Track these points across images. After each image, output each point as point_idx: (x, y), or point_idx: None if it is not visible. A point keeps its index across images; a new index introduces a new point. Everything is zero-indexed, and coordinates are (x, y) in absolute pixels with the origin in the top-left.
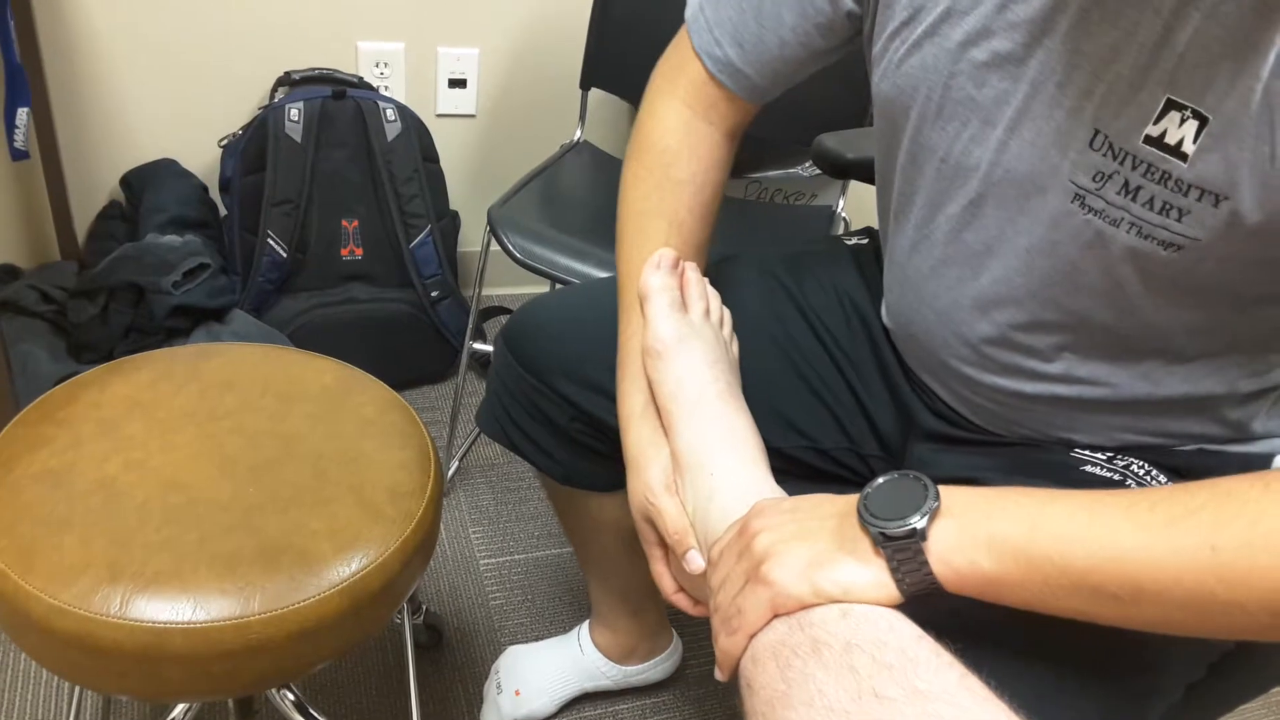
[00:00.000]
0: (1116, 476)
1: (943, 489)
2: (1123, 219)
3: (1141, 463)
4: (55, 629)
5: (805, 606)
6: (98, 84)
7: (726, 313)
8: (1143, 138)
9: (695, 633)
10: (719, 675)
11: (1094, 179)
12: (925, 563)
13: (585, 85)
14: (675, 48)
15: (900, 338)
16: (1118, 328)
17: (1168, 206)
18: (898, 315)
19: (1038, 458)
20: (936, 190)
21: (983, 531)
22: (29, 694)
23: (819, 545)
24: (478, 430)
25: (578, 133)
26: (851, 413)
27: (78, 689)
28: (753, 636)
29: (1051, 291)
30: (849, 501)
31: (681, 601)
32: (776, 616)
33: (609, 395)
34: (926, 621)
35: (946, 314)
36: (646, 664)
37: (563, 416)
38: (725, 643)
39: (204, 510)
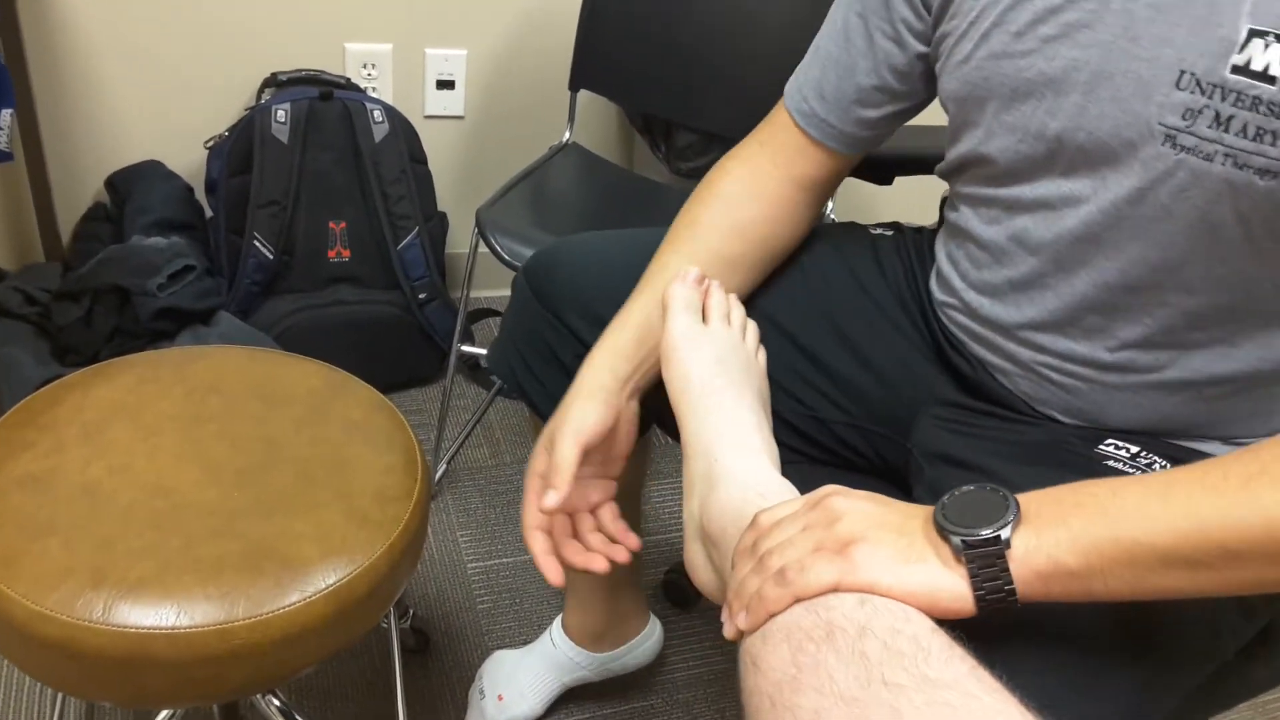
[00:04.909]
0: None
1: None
2: (1216, 152)
3: (1164, 461)
4: (37, 635)
5: (869, 593)
6: (82, 85)
7: (752, 324)
8: (1229, 68)
9: (683, 635)
10: (735, 628)
11: (1183, 117)
12: (1006, 571)
13: (574, 86)
14: (767, 118)
15: (966, 310)
16: (1205, 282)
17: (1261, 132)
18: (976, 283)
19: (1059, 453)
20: (1018, 166)
21: (1063, 531)
22: (11, 701)
23: (912, 542)
24: (465, 433)
25: (566, 134)
26: (858, 378)
27: (60, 695)
28: (800, 600)
29: (1140, 245)
30: (928, 509)
31: (538, 542)
32: (833, 593)
33: None
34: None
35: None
36: (621, 649)
37: (569, 355)
38: (772, 593)
39: (188, 515)
